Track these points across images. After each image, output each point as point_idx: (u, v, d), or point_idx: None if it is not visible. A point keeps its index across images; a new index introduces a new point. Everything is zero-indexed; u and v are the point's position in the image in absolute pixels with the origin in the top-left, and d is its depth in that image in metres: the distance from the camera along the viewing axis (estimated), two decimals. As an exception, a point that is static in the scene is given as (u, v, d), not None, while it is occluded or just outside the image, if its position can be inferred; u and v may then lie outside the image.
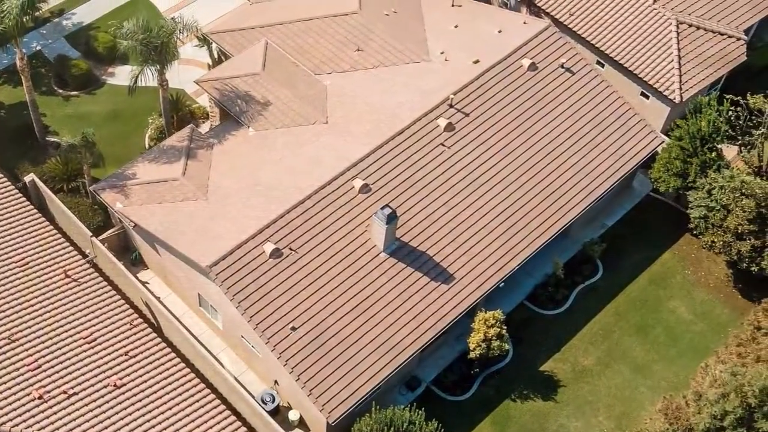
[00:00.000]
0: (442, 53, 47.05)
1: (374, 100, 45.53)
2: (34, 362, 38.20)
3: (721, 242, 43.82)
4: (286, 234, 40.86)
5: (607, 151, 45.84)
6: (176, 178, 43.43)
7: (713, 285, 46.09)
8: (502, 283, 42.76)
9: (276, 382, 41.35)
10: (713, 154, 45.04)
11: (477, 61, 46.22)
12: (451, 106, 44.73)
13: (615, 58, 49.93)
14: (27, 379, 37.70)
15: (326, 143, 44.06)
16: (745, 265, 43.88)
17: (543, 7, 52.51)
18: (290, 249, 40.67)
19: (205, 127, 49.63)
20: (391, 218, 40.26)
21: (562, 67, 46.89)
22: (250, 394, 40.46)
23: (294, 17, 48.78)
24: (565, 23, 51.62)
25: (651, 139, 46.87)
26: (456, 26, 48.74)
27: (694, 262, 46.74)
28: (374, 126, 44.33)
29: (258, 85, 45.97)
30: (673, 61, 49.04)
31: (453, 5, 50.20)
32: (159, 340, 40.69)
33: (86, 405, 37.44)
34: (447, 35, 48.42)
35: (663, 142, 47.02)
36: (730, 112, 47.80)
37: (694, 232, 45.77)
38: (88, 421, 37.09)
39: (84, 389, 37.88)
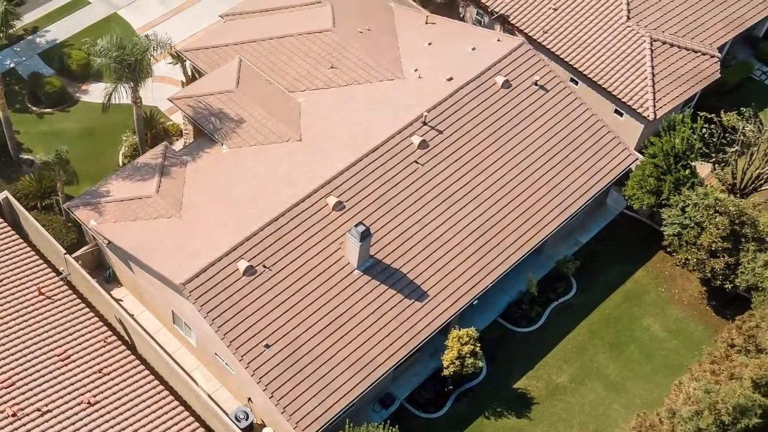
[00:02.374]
0: (415, 71, 49.13)
1: (348, 118, 47.56)
2: (7, 380, 39.77)
3: (695, 260, 45.92)
4: (259, 251, 42.69)
5: (580, 169, 47.99)
6: (150, 195, 45.33)
7: (687, 302, 48.22)
8: (476, 301, 44.80)
9: (250, 399, 43.14)
10: (687, 171, 47.11)
11: (451, 79, 48.29)
12: (424, 123, 46.79)
13: (589, 76, 52.30)
14: (1, 397, 39.16)
15: (300, 161, 46.04)
16: (719, 282, 45.96)
17: (517, 25, 54.91)
18: (264, 266, 42.60)
19: (179, 145, 51.65)
20: (365, 235, 42.24)
21: (536, 84, 49.06)
22: (224, 411, 42.15)
23: (268, 35, 50.85)
24: (538, 41, 54.00)
25: (625, 157, 49.08)
26: (429, 44, 50.91)
27: (668, 279, 48.96)
28: (348, 143, 46.29)
29: (232, 102, 47.98)
30: (646, 78, 51.38)
31: (426, 23, 52.44)
32: (133, 357, 42.39)
33: (60, 422, 39.07)
34: (421, 53, 50.54)
35: (637, 159, 49.21)
36: (704, 130, 49.98)
37: (668, 250, 47.83)
38: (61, 438, 39.16)
39: (58, 407, 39.53)
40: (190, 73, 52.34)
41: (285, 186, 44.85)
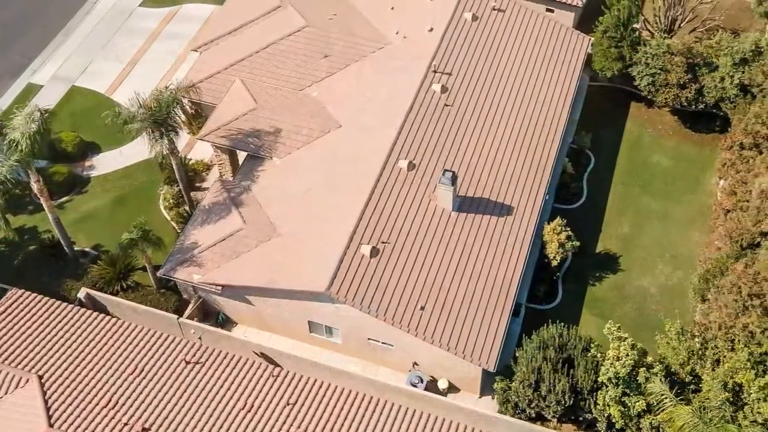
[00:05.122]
0: (397, 33, 41.81)
1: (368, 91, 39.88)
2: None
3: (672, 95, 42.86)
4: (371, 231, 35.03)
5: (557, 65, 42.73)
6: (240, 228, 36.06)
7: (672, 132, 44.84)
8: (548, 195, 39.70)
9: (415, 363, 36.09)
10: (636, 33, 43.71)
11: (431, 30, 41.59)
12: (435, 71, 40.16)
13: None
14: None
15: (353, 141, 38.08)
16: (693, 107, 43.23)
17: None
18: (383, 242, 35.02)
19: (211, 178, 41.84)
20: (454, 179, 35.43)
21: (494, 9, 43.35)
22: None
23: (252, 49, 41.39)
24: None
25: (581, 42, 44.31)
26: (392, 8, 43.35)
27: (649, 122, 45.15)
28: (384, 111, 38.78)
29: (259, 118, 38.91)
30: (565, -27, 46.60)
31: None
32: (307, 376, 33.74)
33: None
34: (390, 18, 43.01)
35: (590, 40, 44.74)
36: None
37: (648, 97, 44.16)
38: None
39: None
40: (190, 111, 41.32)
41: (354, 166, 36.95)
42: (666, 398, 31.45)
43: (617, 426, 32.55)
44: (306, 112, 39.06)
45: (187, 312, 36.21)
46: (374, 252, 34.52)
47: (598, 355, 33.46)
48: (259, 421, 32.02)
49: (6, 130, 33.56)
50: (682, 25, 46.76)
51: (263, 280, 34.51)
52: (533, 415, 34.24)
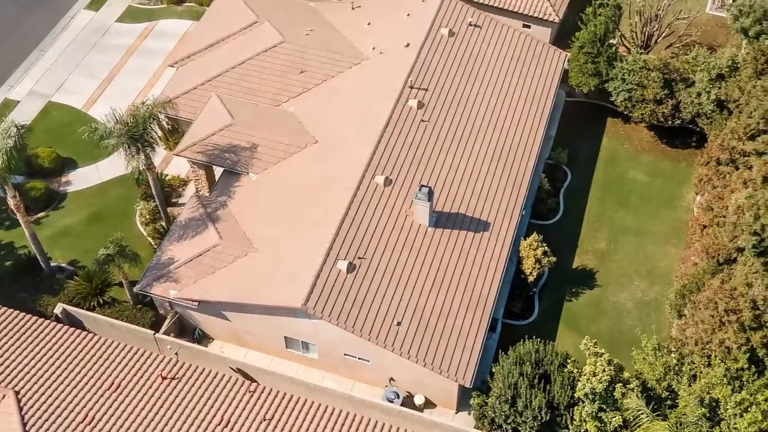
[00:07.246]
0: (374, 49, 42.44)
1: (345, 106, 40.47)
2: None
3: (649, 111, 43.65)
4: (348, 247, 35.46)
5: (534, 79, 43.66)
6: (216, 243, 36.37)
7: (649, 148, 45.76)
8: (524, 210, 40.25)
9: (391, 379, 36.59)
10: (612, 49, 44.55)
11: (408, 45, 42.12)
12: (411, 87, 40.78)
13: (493, 5, 47.54)
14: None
15: (329, 157, 38.58)
16: (669, 123, 44.09)
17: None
18: (359, 258, 35.65)
19: (187, 194, 42.19)
20: (431, 194, 36.02)
21: (471, 24, 44.06)
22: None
23: (229, 65, 41.95)
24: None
25: (558, 57, 45.20)
26: (369, 24, 44.09)
27: (625, 137, 46.05)
28: (361, 127, 39.31)
29: (236, 133, 39.27)
30: (539, -10, 47.64)
31: (353, 8, 45.28)
32: (280, 391, 33.98)
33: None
34: (367, 34, 43.74)
35: (566, 56, 45.62)
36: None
37: (625, 112, 44.92)
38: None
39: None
40: (167, 126, 41.93)
41: (331, 182, 37.47)
42: (642, 414, 31.97)
43: (593, 441, 33.35)
44: (282, 128, 39.44)
45: (164, 327, 36.45)
46: (351, 267, 34.91)
47: (575, 370, 33.94)
48: (235, 437, 32.62)
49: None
50: (658, 40, 47.66)
51: (239, 295, 34.78)
52: (510, 431, 34.80)
